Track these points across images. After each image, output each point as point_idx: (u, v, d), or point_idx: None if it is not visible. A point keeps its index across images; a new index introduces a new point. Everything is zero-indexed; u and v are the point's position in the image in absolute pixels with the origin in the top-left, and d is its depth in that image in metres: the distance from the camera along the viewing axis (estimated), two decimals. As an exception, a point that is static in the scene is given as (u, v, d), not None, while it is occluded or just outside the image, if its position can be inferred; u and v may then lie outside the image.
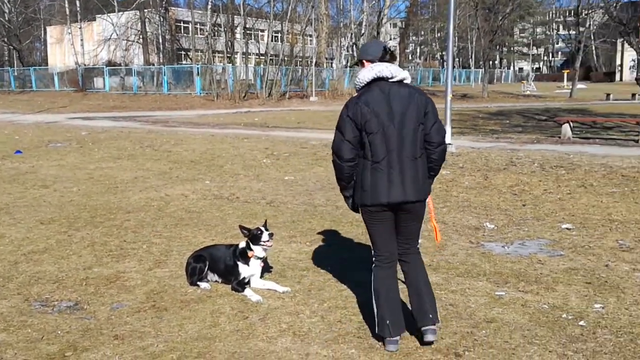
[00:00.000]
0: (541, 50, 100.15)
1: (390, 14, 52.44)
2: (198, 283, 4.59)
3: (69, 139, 15.63)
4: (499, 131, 17.61)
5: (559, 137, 14.90)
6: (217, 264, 4.62)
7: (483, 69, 47.72)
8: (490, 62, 61.57)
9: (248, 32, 45.37)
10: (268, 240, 4.41)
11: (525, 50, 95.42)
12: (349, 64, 48.55)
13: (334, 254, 5.39)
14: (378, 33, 48.28)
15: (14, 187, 8.94)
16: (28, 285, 4.71)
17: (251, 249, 4.46)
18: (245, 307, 4.18)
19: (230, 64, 39.80)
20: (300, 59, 44.02)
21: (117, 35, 43.90)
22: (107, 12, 45.96)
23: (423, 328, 3.50)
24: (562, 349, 3.48)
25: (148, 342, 3.67)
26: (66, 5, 45.88)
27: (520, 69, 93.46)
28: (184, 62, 49.39)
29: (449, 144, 11.47)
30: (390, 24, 66.58)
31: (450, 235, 6.04)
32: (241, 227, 4.60)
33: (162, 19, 46.78)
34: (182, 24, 52.04)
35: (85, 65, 44.59)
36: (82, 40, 45.59)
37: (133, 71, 41.52)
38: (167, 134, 16.76)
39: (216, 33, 43.36)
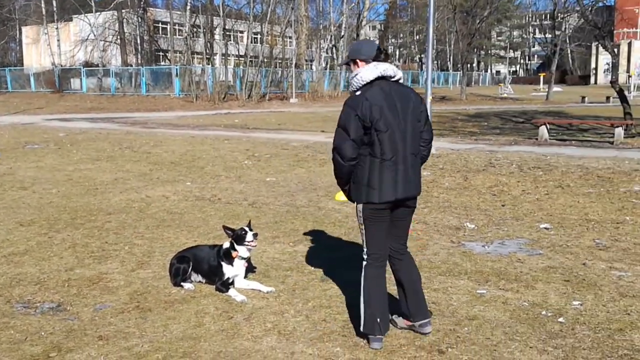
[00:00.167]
0: (518, 53, 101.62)
1: (370, 16, 52.84)
2: (182, 284, 4.58)
3: (47, 140, 15.41)
4: (477, 133, 17.83)
5: (536, 139, 15.15)
6: (201, 264, 4.62)
7: (461, 72, 48.27)
8: (468, 65, 62.33)
9: (227, 33, 45.19)
10: (252, 241, 4.43)
11: (502, 53, 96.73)
12: (329, 66, 48.70)
13: (317, 254, 5.42)
14: (357, 35, 48.52)
15: (-9, 188, 8.80)
16: (9, 287, 4.65)
17: (235, 250, 4.47)
18: (230, 307, 4.19)
19: (210, 65, 39.60)
20: (280, 61, 44.01)
21: (94, 35, 43.35)
22: (84, 12, 45.36)
23: (422, 322, 3.63)
24: (542, 345, 3.56)
25: (133, 342, 3.66)
26: (42, 5, 45.23)
27: (498, 72, 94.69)
28: (162, 63, 49.01)
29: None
30: (370, 26, 66.97)
31: (432, 235, 6.12)
32: (225, 228, 4.61)
33: (140, 20, 46.34)
34: (160, 25, 51.67)
35: (62, 66, 43.97)
36: (58, 40, 44.95)
37: (111, 72, 41.06)
38: (146, 136, 16.63)
39: (195, 34, 43.11)
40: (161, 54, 50.21)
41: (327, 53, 50.18)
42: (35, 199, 8.04)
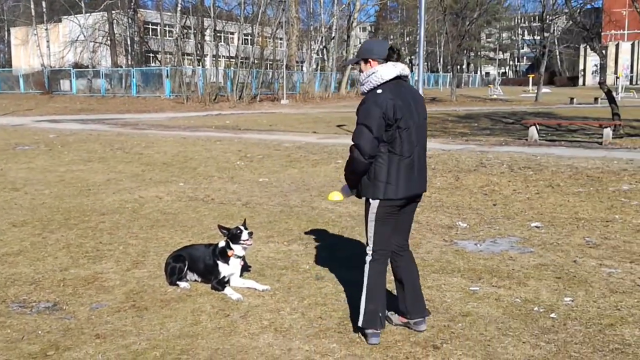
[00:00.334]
0: (507, 55, 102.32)
1: (360, 18, 53.00)
2: (177, 282, 4.61)
3: (37, 141, 15.33)
4: (468, 134, 17.95)
5: (526, 140, 15.28)
6: (197, 263, 4.65)
7: (451, 73, 48.51)
8: (458, 67, 62.63)
9: (218, 34, 45.14)
10: (248, 239, 4.46)
11: (491, 55, 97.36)
12: (319, 67, 48.78)
13: (311, 253, 5.46)
14: (348, 37, 48.68)
15: (-18, 190, 8.76)
16: (4, 287, 4.65)
17: (231, 248, 4.50)
18: (226, 305, 4.22)
19: (200, 67, 39.54)
20: (270, 62, 44.02)
21: (84, 36, 43.14)
22: (73, 13, 45.14)
23: (418, 319, 3.70)
24: (535, 340, 3.62)
25: (130, 340, 3.68)
26: (32, 6, 44.94)
27: (487, 74, 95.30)
28: (152, 64, 48.85)
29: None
30: (360, 27, 67.14)
31: (425, 234, 6.18)
32: (220, 227, 4.64)
33: (130, 21, 46.19)
34: (150, 26, 51.50)
35: (51, 67, 43.71)
36: (48, 41, 44.68)
37: (101, 73, 40.87)
38: (138, 137, 16.59)
39: (185, 35, 43.02)
40: (151, 55, 50.03)
41: (317, 54, 50.25)
42: (28, 200, 8.02)
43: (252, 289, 4.51)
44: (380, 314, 3.58)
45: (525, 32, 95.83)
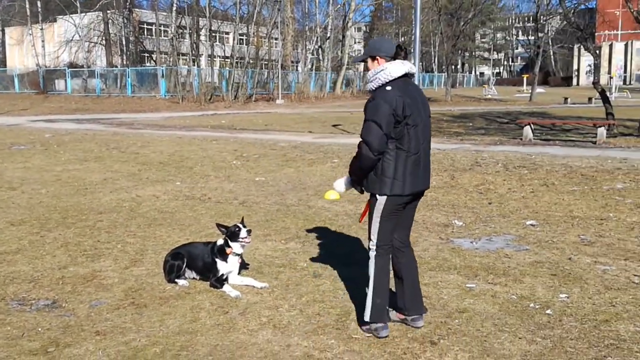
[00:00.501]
0: (501, 55, 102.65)
1: (355, 18, 52.98)
2: (176, 280, 4.63)
3: (33, 141, 15.30)
4: (463, 133, 18.02)
5: (521, 139, 15.36)
6: (195, 261, 4.68)
7: (446, 73, 48.63)
8: (453, 67, 62.81)
9: (213, 34, 45.10)
10: (246, 237, 4.49)
11: (486, 55, 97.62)
12: (314, 67, 48.80)
13: (308, 251, 5.49)
14: (343, 37, 48.72)
15: (-22, 189, 8.75)
16: (3, 284, 4.66)
17: (229, 246, 4.53)
18: (225, 303, 4.25)
19: (196, 67, 39.50)
20: (266, 62, 44.01)
21: (79, 36, 43.01)
22: (68, 13, 44.99)
23: (415, 316, 3.75)
24: (531, 336, 3.67)
25: (130, 337, 3.70)
26: (27, 6, 44.75)
27: (482, 74, 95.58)
28: (147, 64, 48.75)
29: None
30: (355, 27, 67.17)
31: (421, 232, 6.23)
32: (218, 225, 4.67)
33: (125, 21, 46.08)
34: (145, 26, 51.38)
35: (46, 67, 43.56)
36: (43, 41, 44.54)
37: (96, 73, 40.77)
38: (133, 136, 16.58)
39: (181, 35, 42.96)
40: (147, 55, 49.92)
41: (313, 54, 50.26)
42: (25, 199, 8.02)
43: (251, 286, 4.54)
44: (387, 307, 3.66)
45: (520, 33, 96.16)
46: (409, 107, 3.51)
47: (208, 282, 4.57)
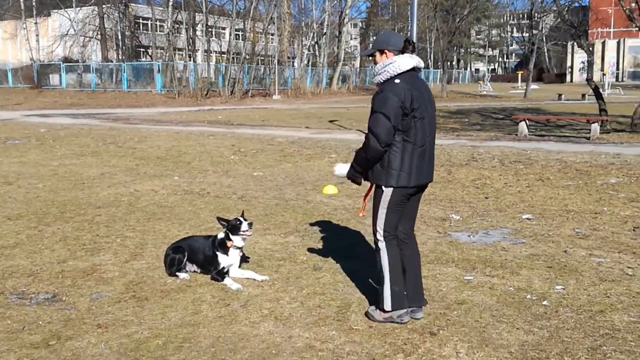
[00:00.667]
0: (496, 52, 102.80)
1: (352, 14, 52.98)
2: (177, 273, 4.66)
3: (28, 136, 15.27)
4: (459, 129, 18.09)
5: (516, 135, 15.44)
6: (196, 254, 4.71)
7: (442, 70, 48.69)
8: (448, 63, 62.78)
9: (210, 29, 44.98)
10: (247, 230, 4.52)
11: (481, 51, 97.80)
12: (311, 63, 48.73)
13: (308, 245, 5.53)
14: (340, 33, 48.68)
15: (-25, 183, 8.74)
16: (2, 279, 4.66)
17: (230, 239, 4.56)
18: (226, 295, 4.28)
19: (192, 62, 39.39)
20: (262, 58, 43.95)
21: (74, 31, 42.80)
22: (63, 7, 44.74)
23: (415, 307, 3.80)
24: (529, 326, 3.73)
25: (132, 329, 3.73)
26: (21, -1, 44.48)
27: (477, 70, 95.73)
28: (143, 59, 48.58)
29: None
30: (351, 24, 67.14)
31: (419, 226, 6.24)
32: (219, 219, 4.69)
33: (121, 15, 45.87)
34: (141, 21, 51.17)
35: (40, 61, 43.34)
36: (37, 35, 44.29)
37: (91, 68, 40.60)
38: (130, 131, 16.56)
39: (177, 30, 42.81)
40: (142, 50, 49.74)
41: (309, 50, 50.24)
42: (22, 193, 8.01)
43: (251, 279, 4.58)
44: (405, 293, 3.74)
45: (514, 30, 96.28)
46: (416, 100, 3.56)
47: (209, 275, 4.60)
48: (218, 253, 4.57)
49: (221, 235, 4.63)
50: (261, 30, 43.52)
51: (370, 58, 3.85)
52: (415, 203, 3.86)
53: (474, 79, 79.58)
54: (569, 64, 75.46)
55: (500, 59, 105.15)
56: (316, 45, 49.89)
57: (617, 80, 63.47)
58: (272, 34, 47.53)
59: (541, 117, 20.61)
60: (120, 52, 46.53)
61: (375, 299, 3.89)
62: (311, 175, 9.48)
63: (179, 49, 43.86)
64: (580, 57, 68.75)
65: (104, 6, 44.01)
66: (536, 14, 46.64)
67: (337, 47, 49.42)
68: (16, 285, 4.53)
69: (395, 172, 3.60)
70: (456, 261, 5.05)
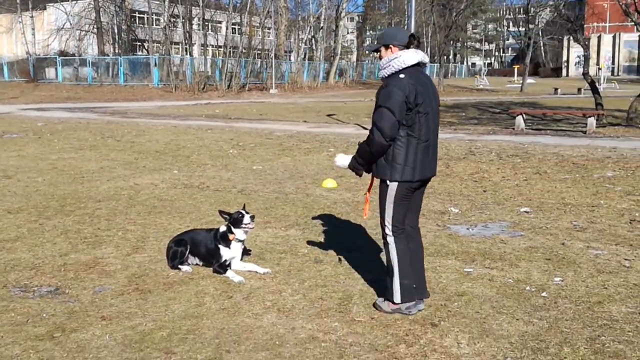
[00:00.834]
0: (493, 46, 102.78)
1: (348, 8, 52.85)
2: (179, 266, 4.69)
3: (25, 129, 15.24)
4: (456, 123, 18.13)
5: (513, 129, 15.50)
6: (198, 247, 4.74)
7: (438, 64, 48.67)
8: (445, 57, 62.86)
9: (206, 23, 44.84)
10: (250, 223, 4.55)
11: (477, 45, 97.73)
12: (307, 57, 48.66)
13: (309, 238, 5.57)
14: (336, 27, 48.60)
15: (-26, 177, 8.74)
16: (4, 272, 4.67)
17: (232, 232, 4.60)
18: (229, 288, 4.32)
19: (189, 56, 39.30)
20: (259, 52, 43.87)
21: (70, 24, 42.59)
22: (59, 0, 44.50)
23: (417, 299, 3.85)
24: (528, 317, 3.78)
25: (136, 321, 3.76)
26: (16, -8, 44.22)
27: (473, 64, 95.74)
28: (139, 53, 48.41)
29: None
30: (348, 18, 66.96)
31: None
32: (221, 212, 4.73)
33: (117, 9, 45.66)
34: (137, 15, 50.94)
35: (36, 55, 43.13)
36: (33, 29, 44.07)
37: (87, 62, 40.46)
38: (128, 125, 16.55)
39: (174, 24, 42.65)
40: (139, 43, 49.55)
41: (306, 44, 50.14)
42: (21, 187, 8.02)
43: (253, 272, 4.61)
44: (415, 285, 3.80)
45: (511, 24, 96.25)
46: (421, 94, 3.59)
47: (211, 268, 4.64)
48: (220, 246, 4.61)
49: (223, 228, 4.67)
50: (258, 24, 43.41)
51: (376, 53, 3.87)
52: (419, 195, 3.90)
53: (471, 73, 79.61)
54: (564, 58, 75.52)
55: (496, 53, 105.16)
56: (313, 39, 49.85)
57: (612, 74, 63.62)
58: (269, 28, 47.37)
59: (538, 111, 20.68)
60: (116, 46, 46.37)
61: (383, 291, 3.94)
62: (310, 168, 9.51)
63: (176, 43, 43.71)
64: (576, 51, 68.85)
65: (100, 0, 43.79)
66: (532, 8, 46.62)
67: (334, 41, 49.37)
68: (19, 278, 4.55)
69: (399, 166, 3.64)
70: (456, 254, 5.10)
